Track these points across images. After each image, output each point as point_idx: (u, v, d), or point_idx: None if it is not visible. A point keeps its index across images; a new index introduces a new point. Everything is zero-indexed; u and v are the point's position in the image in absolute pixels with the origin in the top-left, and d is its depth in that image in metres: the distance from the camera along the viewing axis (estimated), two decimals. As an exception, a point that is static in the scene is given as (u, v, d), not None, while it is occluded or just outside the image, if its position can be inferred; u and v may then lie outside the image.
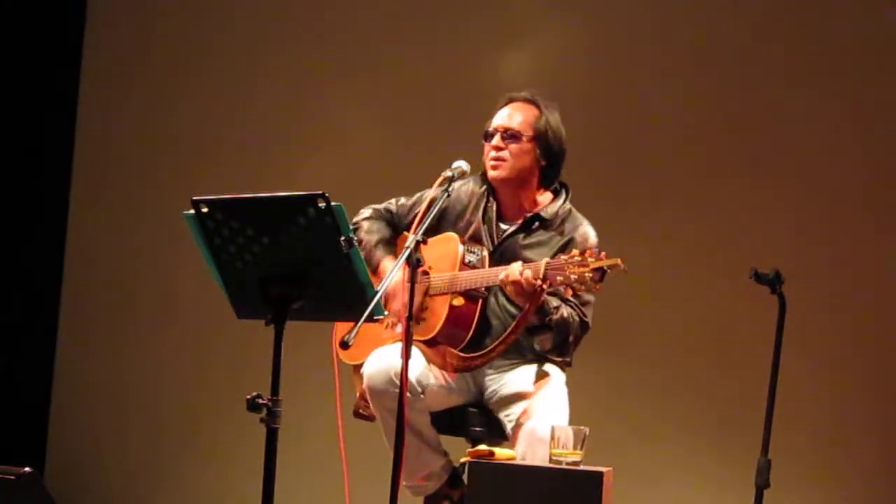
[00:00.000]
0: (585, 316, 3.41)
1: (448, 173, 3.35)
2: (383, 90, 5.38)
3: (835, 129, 4.82)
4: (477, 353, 3.38)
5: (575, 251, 3.18)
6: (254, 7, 5.71)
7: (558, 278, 3.14)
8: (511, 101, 3.58)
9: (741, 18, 4.97)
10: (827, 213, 4.79)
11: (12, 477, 3.02)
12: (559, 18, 5.26)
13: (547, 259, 3.22)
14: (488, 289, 3.42)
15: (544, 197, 3.57)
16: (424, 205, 3.35)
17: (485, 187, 3.57)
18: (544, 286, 3.20)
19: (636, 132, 5.02)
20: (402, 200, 3.67)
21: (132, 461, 5.59)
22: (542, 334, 3.38)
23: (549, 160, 3.51)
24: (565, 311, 3.36)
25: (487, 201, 3.56)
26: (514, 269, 3.24)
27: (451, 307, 3.39)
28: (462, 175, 3.38)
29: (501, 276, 3.27)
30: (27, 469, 3.07)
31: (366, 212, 3.68)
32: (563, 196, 3.55)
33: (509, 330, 3.34)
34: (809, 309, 4.26)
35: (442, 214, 3.50)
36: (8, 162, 5.72)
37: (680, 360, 4.85)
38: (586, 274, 3.09)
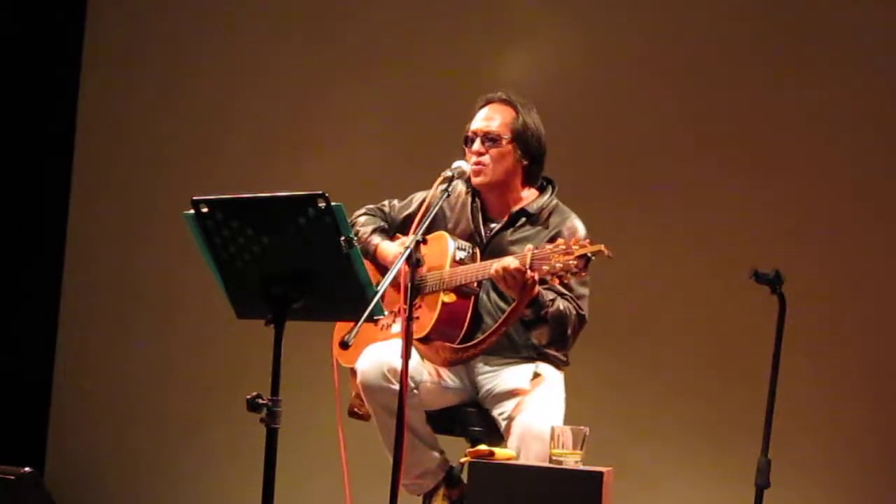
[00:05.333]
0: (582, 309, 3.43)
1: (448, 173, 3.41)
2: (383, 91, 5.38)
3: (834, 128, 4.81)
4: (468, 345, 3.39)
5: (560, 240, 3.18)
6: (255, 8, 5.71)
7: (544, 268, 3.14)
8: (488, 102, 3.62)
9: (737, 19, 4.97)
10: (827, 213, 4.78)
11: (12, 477, 3.03)
12: (558, 21, 5.26)
13: (532, 249, 3.22)
14: (480, 285, 3.44)
15: (529, 193, 3.59)
16: (424, 205, 3.37)
17: (471, 188, 3.60)
18: (534, 277, 3.20)
19: (635, 132, 5.02)
20: (395, 202, 3.74)
21: (132, 461, 5.59)
22: (538, 328, 3.40)
23: (531, 159, 3.55)
24: (561, 304, 3.38)
25: (473, 201, 3.60)
26: (505, 261, 3.25)
27: (443, 304, 3.41)
28: (462, 175, 3.45)
29: (493, 268, 3.27)
30: (27, 469, 3.07)
31: (360, 210, 3.75)
32: (549, 191, 3.58)
33: (500, 322, 3.34)
34: (809, 309, 4.25)
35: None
36: (8, 162, 5.72)
37: (680, 360, 4.84)
38: (570, 262, 3.09)
